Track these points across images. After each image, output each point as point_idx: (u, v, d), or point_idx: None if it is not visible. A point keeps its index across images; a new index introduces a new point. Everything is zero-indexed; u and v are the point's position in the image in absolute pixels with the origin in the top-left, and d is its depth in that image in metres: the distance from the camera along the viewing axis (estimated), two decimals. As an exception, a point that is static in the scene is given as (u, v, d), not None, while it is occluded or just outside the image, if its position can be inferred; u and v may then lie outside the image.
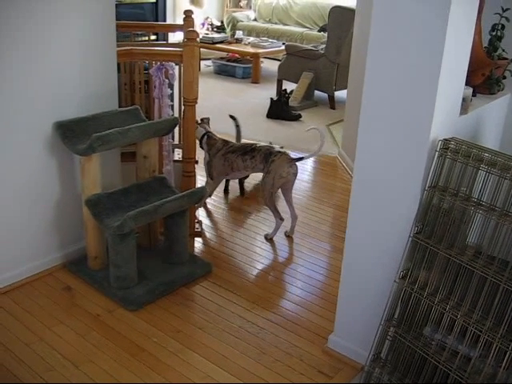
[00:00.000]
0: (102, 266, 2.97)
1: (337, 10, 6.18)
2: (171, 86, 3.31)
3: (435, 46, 1.91)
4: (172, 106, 3.35)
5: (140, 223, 2.70)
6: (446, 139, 2.05)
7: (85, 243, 3.01)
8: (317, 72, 6.47)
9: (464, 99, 2.25)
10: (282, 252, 3.39)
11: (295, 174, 3.43)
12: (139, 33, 5.86)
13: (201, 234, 3.49)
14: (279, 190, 3.52)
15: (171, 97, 3.35)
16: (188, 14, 4.17)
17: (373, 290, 2.32)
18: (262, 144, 3.63)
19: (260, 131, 5.63)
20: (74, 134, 2.79)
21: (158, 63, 3.19)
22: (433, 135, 2.02)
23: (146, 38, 7.15)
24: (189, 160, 3.33)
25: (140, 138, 2.87)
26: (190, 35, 3.07)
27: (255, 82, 7.62)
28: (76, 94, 2.89)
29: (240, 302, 2.86)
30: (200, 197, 2.92)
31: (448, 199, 2.04)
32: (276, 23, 9.60)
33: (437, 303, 2.04)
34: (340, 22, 6.14)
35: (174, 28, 4.45)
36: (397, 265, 2.18)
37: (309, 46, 6.85)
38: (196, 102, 3.22)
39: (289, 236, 3.56)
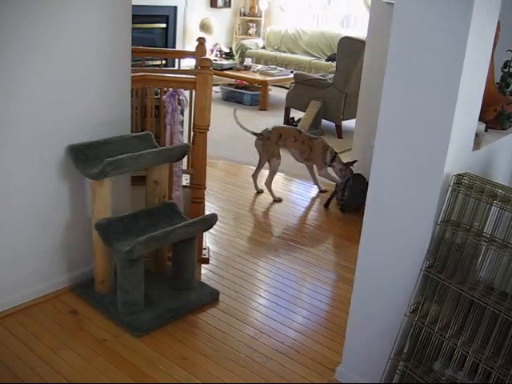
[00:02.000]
0: (109, 290, 2.96)
1: (346, 41, 6.26)
2: (182, 113, 3.34)
3: (452, 80, 1.93)
4: (183, 133, 3.37)
5: (150, 249, 2.71)
6: (459, 174, 2.06)
7: (92, 267, 3.01)
8: (325, 101, 6.52)
9: (477, 134, 2.26)
10: (288, 281, 3.38)
11: None
12: (148, 57, 5.95)
13: (208, 261, 3.49)
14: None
15: (182, 123, 3.38)
16: (201, 42, 4.23)
17: (382, 323, 2.31)
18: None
19: (267, 158, 5.65)
20: (86, 158, 2.81)
21: (171, 90, 3.22)
22: (446, 170, 2.03)
23: (156, 63, 7.25)
24: (198, 186, 3.35)
25: (152, 164, 2.89)
26: (204, 63, 3.11)
27: (263, 109, 7.68)
28: (90, 118, 2.92)
29: (247, 331, 2.84)
30: (211, 224, 2.92)
31: (461, 234, 2.05)
32: (284, 51, 9.70)
33: (448, 338, 2.03)
34: (349, 52, 6.21)
35: (186, 54, 4.50)
36: (407, 298, 2.18)
37: (317, 75, 6.92)
38: (207, 129, 3.24)
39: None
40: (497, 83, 2.63)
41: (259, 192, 4.74)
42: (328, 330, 2.91)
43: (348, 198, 4.35)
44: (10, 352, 2.54)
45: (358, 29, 9.64)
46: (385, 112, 2.15)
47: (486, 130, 2.49)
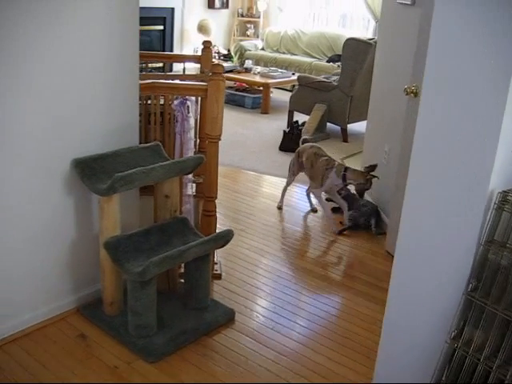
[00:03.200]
0: (118, 311, 2.79)
1: (352, 43, 6.09)
2: (193, 121, 3.18)
3: (499, 93, 1.77)
4: (194, 142, 3.20)
5: (163, 269, 2.53)
6: (504, 191, 1.90)
7: (100, 286, 2.84)
8: (330, 104, 6.36)
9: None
10: (305, 297, 3.21)
11: None
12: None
13: (220, 277, 3.32)
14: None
15: (193, 132, 3.21)
16: (207, 45, 4.07)
17: (418, 349, 2.14)
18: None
19: (273, 164, 5.49)
20: (93, 172, 2.63)
21: (180, 97, 3.05)
22: (491, 187, 1.87)
23: (156, 66, 7.09)
24: (210, 199, 3.18)
25: (163, 178, 2.72)
26: (216, 69, 2.94)
27: (265, 112, 7.51)
28: (96, 129, 2.75)
29: (266, 354, 2.68)
30: (226, 241, 2.76)
31: (506, 255, 1.88)
32: (284, 53, 9.54)
33: (495, 369, 1.87)
34: (355, 54, 6.05)
35: (191, 59, 4.34)
36: (447, 323, 2.01)
37: (321, 78, 6.75)
38: (219, 139, 3.07)
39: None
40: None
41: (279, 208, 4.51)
42: (356, 352, 2.74)
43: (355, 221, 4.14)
44: (14, 381, 2.37)
45: (358, 28, 9.50)
46: (422, 126, 1.99)
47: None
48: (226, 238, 2.75)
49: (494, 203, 1.89)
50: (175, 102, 3.04)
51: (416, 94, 3.38)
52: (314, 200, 4.49)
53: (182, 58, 4.19)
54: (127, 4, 2.70)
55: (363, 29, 9.43)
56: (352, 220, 4.11)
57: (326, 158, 4.17)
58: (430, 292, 2.07)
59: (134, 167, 2.73)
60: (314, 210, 4.49)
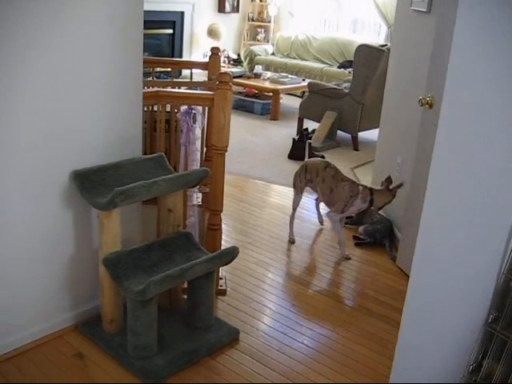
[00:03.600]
0: (118, 329, 2.68)
1: (364, 49, 5.96)
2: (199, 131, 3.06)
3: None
4: (199, 153, 3.09)
5: (164, 288, 2.41)
6: (529, 215, 1.77)
7: (98, 303, 2.73)
8: (340, 111, 6.23)
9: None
10: (316, 317, 3.08)
11: None
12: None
13: (225, 293, 3.19)
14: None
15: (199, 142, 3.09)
16: (215, 52, 3.96)
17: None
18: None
19: (282, 173, 5.36)
20: (93, 185, 2.52)
21: (186, 106, 2.93)
22: (515, 211, 1.74)
23: (163, 70, 6.98)
24: (215, 212, 3.05)
25: (166, 191, 2.60)
26: (224, 77, 2.83)
27: (274, 118, 7.39)
28: (97, 139, 2.64)
29: (272, 377, 2.55)
30: (231, 258, 2.63)
31: (531, 285, 1.75)
32: (294, 58, 9.41)
33: (518, 408, 1.74)
34: (367, 61, 5.92)
35: (199, 65, 4.22)
36: (465, 356, 1.88)
37: (332, 85, 6.62)
38: (226, 150, 2.95)
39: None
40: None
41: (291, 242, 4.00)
42: (361, 374, 2.61)
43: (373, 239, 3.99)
44: (8, 406, 2.26)
45: (369, 34, 9.37)
46: (442, 144, 1.86)
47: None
48: (231, 255, 2.63)
49: (518, 229, 1.76)
50: (180, 112, 2.92)
51: (431, 105, 3.25)
52: (322, 211, 4.33)
53: (190, 65, 4.08)
54: (131, 9, 2.59)
55: (375, 34, 9.30)
56: (369, 235, 3.98)
57: (348, 183, 3.68)
58: (446, 322, 1.94)
59: (136, 180, 2.62)
60: (321, 223, 4.33)
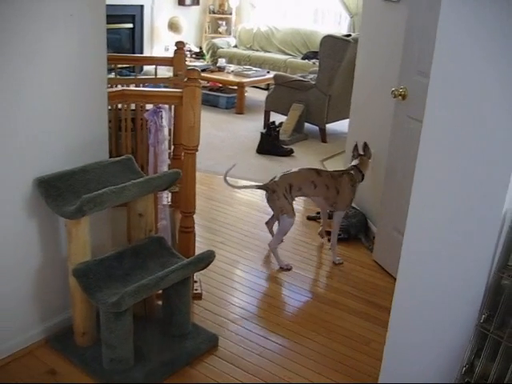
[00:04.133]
0: (91, 342, 2.55)
1: (329, 40, 5.89)
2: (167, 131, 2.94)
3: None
4: (168, 153, 2.96)
5: (139, 299, 2.29)
6: (519, 211, 1.71)
7: (69, 314, 2.60)
8: (307, 104, 6.16)
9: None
10: (297, 318, 3.00)
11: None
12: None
13: (201, 296, 3.09)
14: None
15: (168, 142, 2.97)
16: (179, 47, 3.83)
17: (424, 384, 1.95)
18: None
19: (252, 168, 5.27)
20: (58, 193, 2.38)
21: (153, 106, 2.81)
22: (506, 207, 1.68)
23: (125, 66, 6.80)
24: (188, 214, 2.94)
25: (137, 196, 2.47)
26: (192, 74, 2.71)
27: (239, 112, 7.28)
28: (60, 143, 2.49)
29: (252, 382, 2.47)
30: (208, 263, 2.53)
31: (522, 282, 1.70)
32: (257, 50, 9.31)
33: (514, 409, 1.69)
34: (332, 52, 5.85)
35: (163, 61, 4.08)
36: (457, 357, 1.82)
37: (298, 77, 6.54)
38: (197, 150, 2.84)
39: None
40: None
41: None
42: (346, 375, 2.54)
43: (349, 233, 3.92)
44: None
45: (331, 24, 9.32)
46: (427, 139, 1.79)
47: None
48: (207, 260, 2.52)
49: (509, 226, 1.70)
50: (148, 111, 2.79)
51: (404, 97, 3.19)
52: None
53: (154, 61, 3.93)
54: (92, 5, 2.45)
55: (337, 24, 9.26)
56: (345, 231, 3.91)
57: (344, 174, 3.57)
58: (436, 322, 1.88)
59: (104, 184, 2.49)
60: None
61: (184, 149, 2.82)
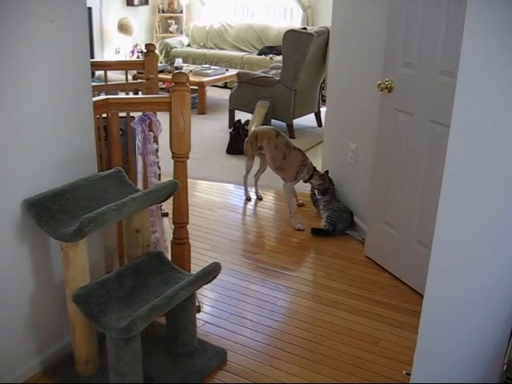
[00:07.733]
0: (94, 370, 2.39)
1: (292, 34, 5.81)
2: (156, 140, 2.79)
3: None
4: (158, 163, 2.82)
5: (151, 321, 2.15)
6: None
7: (67, 341, 2.45)
8: (273, 100, 6.07)
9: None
10: (300, 322, 2.91)
11: None
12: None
13: (199, 309, 2.96)
14: None
15: (156, 152, 2.82)
16: (150, 49, 3.68)
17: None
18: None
19: (224, 170, 5.15)
20: (51, 215, 2.21)
21: (140, 114, 2.66)
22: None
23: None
24: (181, 225, 2.81)
25: (137, 211, 2.33)
26: (179, 78, 2.58)
27: (202, 112, 7.13)
28: (47, 160, 2.32)
29: (271, 398, 2.37)
30: (214, 276, 2.41)
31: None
32: (212, 48, 9.16)
33: None
34: (296, 46, 5.78)
35: (135, 66, 3.91)
36: (497, 356, 1.77)
37: (261, 73, 6.44)
38: (188, 157, 2.71)
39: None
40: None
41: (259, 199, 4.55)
42: (362, 379, 2.48)
43: (334, 227, 3.88)
44: None
45: (284, 18, 9.25)
46: (454, 152, 1.71)
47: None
48: (214, 273, 2.40)
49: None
50: (134, 121, 2.63)
51: (390, 90, 3.14)
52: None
53: (125, 66, 3.76)
54: (74, 14, 2.28)
55: (289, 18, 9.19)
56: (331, 224, 3.84)
57: (300, 152, 4.08)
58: (472, 321, 1.82)
59: (97, 201, 2.33)
60: (259, 198, 4.55)
61: (174, 156, 2.69)
